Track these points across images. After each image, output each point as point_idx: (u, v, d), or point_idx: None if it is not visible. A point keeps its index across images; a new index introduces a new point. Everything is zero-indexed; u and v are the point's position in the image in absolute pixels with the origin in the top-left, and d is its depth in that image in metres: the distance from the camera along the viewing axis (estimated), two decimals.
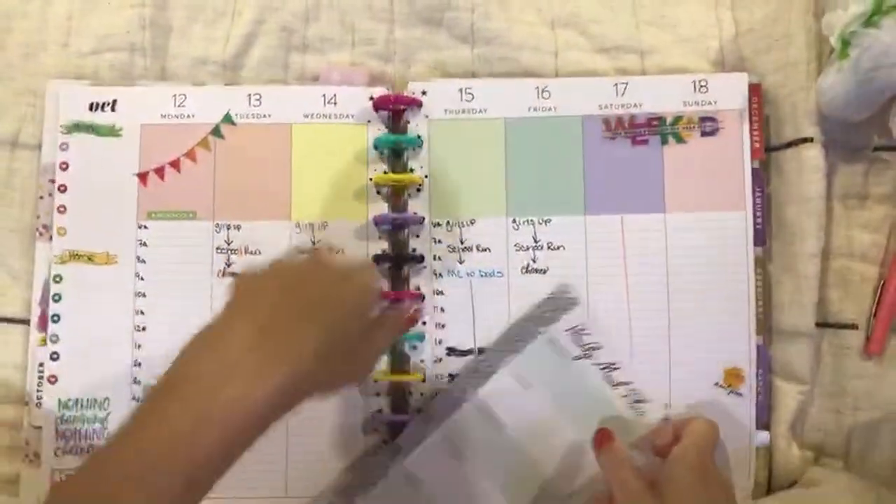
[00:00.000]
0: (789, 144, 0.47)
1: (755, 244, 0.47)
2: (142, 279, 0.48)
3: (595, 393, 0.47)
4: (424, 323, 0.48)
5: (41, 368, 0.47)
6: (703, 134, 0.48)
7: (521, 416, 0.46)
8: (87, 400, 0.47)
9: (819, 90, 0.45)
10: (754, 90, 0.48)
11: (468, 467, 0.46)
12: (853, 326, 0.46)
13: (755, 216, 0.47)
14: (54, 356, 0.47)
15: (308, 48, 0.51)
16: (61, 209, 0.48)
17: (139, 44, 0.50)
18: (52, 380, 0.47)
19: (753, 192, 0.47)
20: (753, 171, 0.48)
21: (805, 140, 0.46)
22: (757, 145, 0.48)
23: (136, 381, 0.47)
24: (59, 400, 0.47)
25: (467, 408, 0.46)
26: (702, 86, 0.49)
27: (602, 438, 0.42)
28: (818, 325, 0.46)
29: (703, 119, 0.48)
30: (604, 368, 0.47)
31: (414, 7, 0.50)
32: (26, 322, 0.48)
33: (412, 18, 0.51)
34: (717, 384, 0.47)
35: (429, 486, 0.45)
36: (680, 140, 0.48)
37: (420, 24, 0.51)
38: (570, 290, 0.48)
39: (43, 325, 0.47)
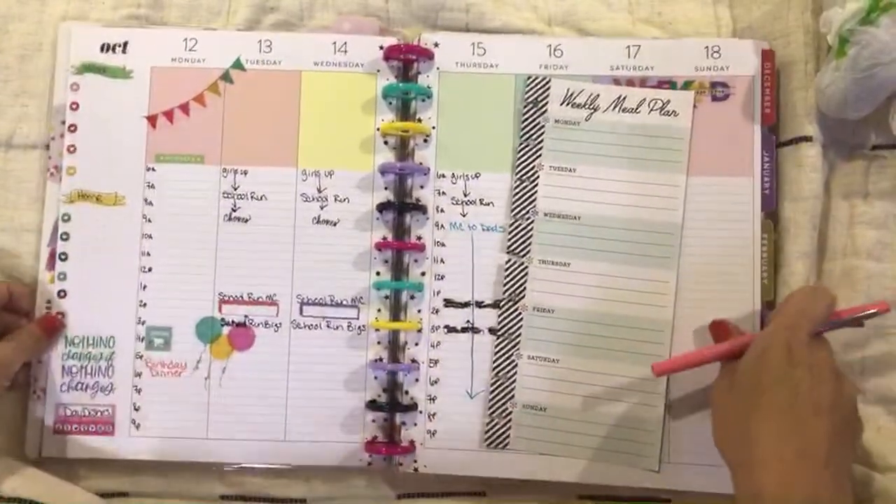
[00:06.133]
0: (788, 143, 0.47)
1: (762, 209, 0.47)
2: (149, 221, 0.48)
3: None
4: (423, 273, 0.48)
5: (48, 305, 0.48)
6: (714, 99, 0.48)
7: None
8: (93, 338, 0.48)
9: (817, 88, 0.45)
10: (766, 56, 0.48)
11: None
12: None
13: (763, 181, 0.47)
14: (61, 294, 0.48)
15: None
16: (71, 149, 0.48)
17: None
18: (60, 317, 0.48)
19: (762, 157, 0.47)
20: (763, 135, 0.47)
21: (804, 139, 0.46)
22: (768, 111, 0.48)
23: (140, 322, 0.48)
24: (66, 337, 0.47)
25: None
26: (714, 51, 0.48)
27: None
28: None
29: (715, 84, 0.48)
30: None
31: (409, 7, 0.50)
32: None
33: (407, 18, 0.50)
34: None
35: None
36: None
37: (415, 24, 0.50)
38: None
39: (52, 265, 0.48)
